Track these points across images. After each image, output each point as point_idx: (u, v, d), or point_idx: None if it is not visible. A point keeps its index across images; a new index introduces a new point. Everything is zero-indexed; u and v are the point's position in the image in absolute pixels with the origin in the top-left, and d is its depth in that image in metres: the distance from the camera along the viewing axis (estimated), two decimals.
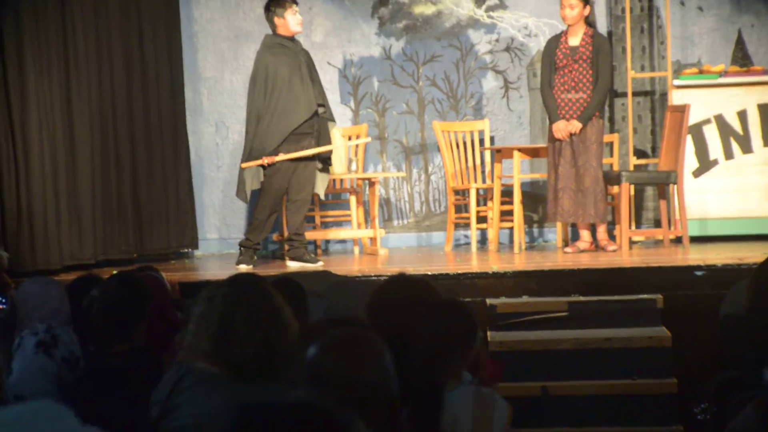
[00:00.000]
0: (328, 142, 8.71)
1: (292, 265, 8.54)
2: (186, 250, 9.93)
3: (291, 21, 8.59)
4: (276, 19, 8.59)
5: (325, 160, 8.81)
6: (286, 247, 8.73)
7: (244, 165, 8.63)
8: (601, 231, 8.91)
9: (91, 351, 4.37)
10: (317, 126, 8.63)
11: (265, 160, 8.46)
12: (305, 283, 4.75)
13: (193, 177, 9.98)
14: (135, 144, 9.38)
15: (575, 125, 8.75)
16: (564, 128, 8.78)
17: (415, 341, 3.88)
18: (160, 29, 9.71)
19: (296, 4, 8.65)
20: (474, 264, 8.52)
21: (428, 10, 10.35)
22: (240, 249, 8.68)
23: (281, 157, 8.44)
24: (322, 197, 9.24)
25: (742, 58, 10.09)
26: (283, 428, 2.24)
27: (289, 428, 2.24)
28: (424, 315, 3.98)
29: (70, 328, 4.39)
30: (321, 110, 8.67)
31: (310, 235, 9.57)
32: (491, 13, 10.30)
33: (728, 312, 5.11)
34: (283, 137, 8.46)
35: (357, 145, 9.95)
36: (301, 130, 8.53)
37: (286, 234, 8.96)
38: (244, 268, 8.44)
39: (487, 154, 9.93)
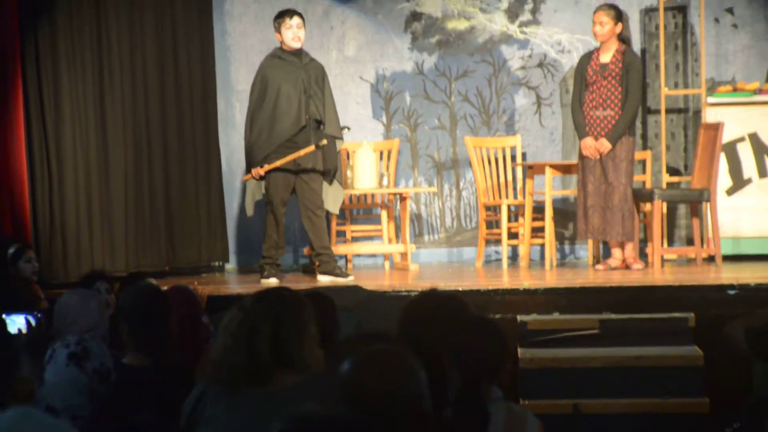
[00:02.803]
0: (333, 158, 8.71)
1: (323, 280, 8.54)
2: (217, 263, 9.95)
3: (286, 36, 8.64)
4: (277, 34, 8.70)
5: (326, 173, 8.74)
6: (317, 262, 8.74)
7: (244, 178, 8.74)
8: (629, 249, 8.87)
9: (123, 364, 4.37)
10: (314, 141, 8.57)
11: (253, 172, 8.52)
12: (335, 297, 4.75)
13: (225, 189, 10.01)
14: (168, 156, 9.42)
15: (604, 145, 8.72)
16: (591, 145, 8.75)
17: (447, 358, 3.87)
18: (193, 42, 9.75)
19: (294, 17, 8.63)
20: (505, 280, 8.49)
21: (461, 25, 10.34)
22: (261, 265, 8.70)
23: (266, 168, 8.47)
24: (335, 213, 9.17)
25: None
26: None
27: None
28: (456, 332, 3.96)
29: (106, 341, 4.41)
30: (322, 128, 8.63)
31: (340, 249, 9.58)
32: (524, 29, 10.29)
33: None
34: (270, 149, 8.51)
35: (389, 161, 9.95)
36: (292, 143, 8.52)
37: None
38: (272, 282, 8.45)
39: (519, 170, 9.91)
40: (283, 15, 8.70)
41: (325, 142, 8.60)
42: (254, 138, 8.59)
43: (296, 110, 8.55)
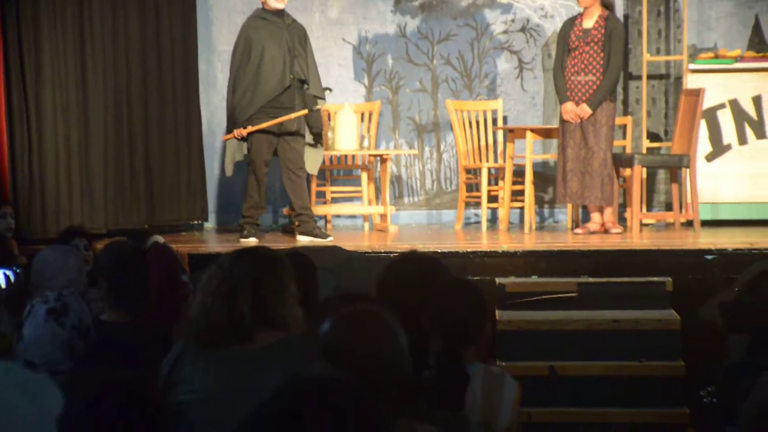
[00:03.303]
0: (318, 120, 8.72)
1: (302, 240, 8.55)
2: (196, 222, 9.95)
3: None
4: None
5: (316, 137, 8.77)
6: (296, 222, 8.74)
7: (225, 138, 8.70)
8: (608, 213, 8.91)
9: (102, 320, 4.38)
10: (298, 101, 8.57)
11: (235, 133, 8.49)
12: (314, 257, 4.76)
13: (204, 149, 9.99)
14: (148, 115, 9.41)
15: (584, 110, 8.74)
16: (572, 110, 8.77)
17: (426, 319, 3.88)
18: (175, 1, 9.70)
19: None
20: (484, 243, 8.51)
21: None
22: (241, 225, 8.70)
23: (250, 129, 8.44)
24: (314, 174, 9.14)
25: (758, 43, 10.06)
26: (325, 402, 2.26)
27: (331, 403, 2.26)
28: (435, 294, 3.98)
29: (85, 298, 4.41)
30: (306, 88, 8.62)
31: (320, 210, 9.58)
32: None
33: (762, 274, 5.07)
34: (254, 110, 8.46)
35: (370, 123, 9.95)
36: (277, 103, 8.49)
37: None
38: (252, 241, 8.46)
39: (500, 134, 9.92)
40: None
41: (318, 106, 8.60)
42: (238, 99, 8.54)
43: (281, 71, 8.52)
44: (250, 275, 3.67)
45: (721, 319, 4.81)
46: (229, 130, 8.66)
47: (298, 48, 8.62)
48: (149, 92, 9.41)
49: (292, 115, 8.47)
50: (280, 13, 8.63)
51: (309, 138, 8.79)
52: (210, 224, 10.15)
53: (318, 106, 8.63)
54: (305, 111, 8.51)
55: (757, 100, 9.50)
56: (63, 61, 8.69)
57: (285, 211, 9.67)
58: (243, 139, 8.56)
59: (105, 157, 8.96)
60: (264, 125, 8.44)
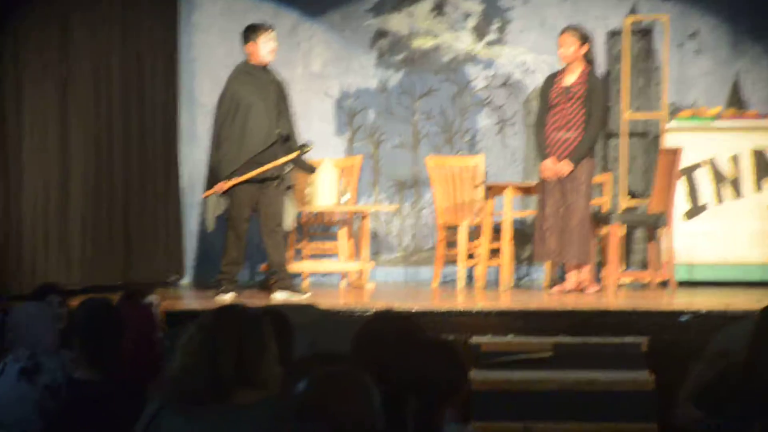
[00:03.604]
0: (304, 164, 8.78)
1: (278, 296, 8.54)
2: (173, 278, 9.91)
3: (263, 48, 8.59)
4: (249, 45, 8.61)
5: (287, 189, 8.80)
6: (273, 278, 8.73)
7: (205, 195, 8.69)
8: (585, 272, 8.92)
9: (75, 379, 4.37)
10: (281, 156, 8.60)
11: (217, 188, 8.50)
12: (291, 315, 4.75)
13: (184, 203, 9.99)
14: (128, 169, 9.38)
15: (564, 167, 8.78)
16: (551, 168, 8.81)
17: (402, 379, 3.88)
18: (158, 54, 9.74)
19: (272, 30, 8.67)
20: (460, 301, 8.52)
21: (427, 43, 10.40)
22: (218, 281, 8.68)
23: (233, 181, 8.45)
24: (289, 229, 9.11)
25: (737, 102, 10.14)
26: None
27: None
28: (411, 353, 3.98)
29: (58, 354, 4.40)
30: (288, 143, 8.66)
31: (297, 266, 9.56)
32: (490, 49, 10.35)
33: (716, 359, 5.09)
34: (239, 164, 8.47)
35: (351, 177, 9.96)
36: (261, 158, 8.52)
37: None
38: (228, 298, 8.44)
39: (480, 190, 9.93)
40: (259, 27, 8.65)
41: (308, 148, 8.62)
42: (222, 154, 8.52)
43: (267, 126, 8.55)
44: (233, 336, 3.67)
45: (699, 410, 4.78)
46: (209, 186, 8.64)
47: (282, 104, 8.67)
48: (129, 145, 9.41)
49: (282, 160, 8.49)
50: (265, 68, 8.67)
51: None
52: (186, 280, 10.12)
53: (308, 148, 8.68)
54: (296, 153, 8.54)
55: (735, 160, 9.56)
56: (43, 112, 8.67)
57: (262, 267, 9.65)
58: (224, 193, 8.56)
59: (83, 211, 8.91)
60: (248, 175, 8.44)
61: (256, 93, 8.55)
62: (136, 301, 5.83)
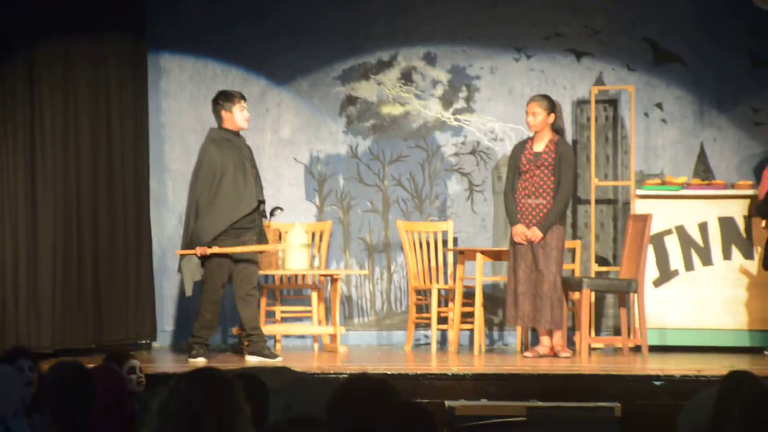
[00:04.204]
0: (266, 238, 8.80)
1: (251, 360, 8.50)
2: (144, 341, 9.85)
3: (238, 117, 8.64)
4: (223, 113, 8.65)
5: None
6: (246, 342, 8.69)
7: (178, 252, 8.66)
8: (557, 337, 8.94)
9: None
10: (258, 222, 8.65)
11: (198, 251, 8.47)
12: (264, 378, 4.72)
13: (155, 268, 9.95)
14: (98, 233, 9.34)
15: (535, 233, 8.82)
16: (523, 233, 8.85)
17: None
18: (127, 120, 9.72)
19: (245, 100, 8.71)
20: (433, 365, 8.51)
21: (396, 110, 10.45)
22: (190, 344, 8.63)
23: (214, 249, 8.43)
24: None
25: (704, 171, 10.23)
26: None
27: None
28: (385, 417, 3.95)
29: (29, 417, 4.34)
30: (262, 207, 8.71)
31: (269, 329, 9.53)
32: (458, 116, 10.42)
33: (688, 425, 5.10)
34: (221, 230, 8.48)
35: (321, 242, 9.97)
36: (241, 224, 8.55)
37: None
38: (201, 361, 8.39)
39: (450, 255, 9.97)
40: (233, 95, 8.68)
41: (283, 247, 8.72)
42: (207, 220, 8.49)
43: (250, 192, 8.57)
44: (211, 400, 3.63)
45: None
46: (187, 247, 8.60)
47: (255, 168, 8.71)
48: (99, 209, 9.37)
49: (270, 247, 8.58)
50: (237, 133, 8.71)
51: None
52: (158, 343, 10.06)
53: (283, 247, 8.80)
54: (282, 246, 8.62)
55: (703, 227, 9.63)
56: (12, 174, 8.64)
57: (234, 330, 9.61)
58: (202, 257, 8.53)
59: (53, 273, 8.86)
60: (231, 249, 8.44)
61: (233, 159, 8.57)
62: (120, 364, 5.78)
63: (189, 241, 8.61)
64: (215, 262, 8.51)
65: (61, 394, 4.38)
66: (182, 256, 8.66)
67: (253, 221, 8.60)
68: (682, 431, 5.09)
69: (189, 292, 8.70)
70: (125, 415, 5.50)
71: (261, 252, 8.86)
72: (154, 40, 10.17)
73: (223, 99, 8.67)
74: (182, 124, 10.31)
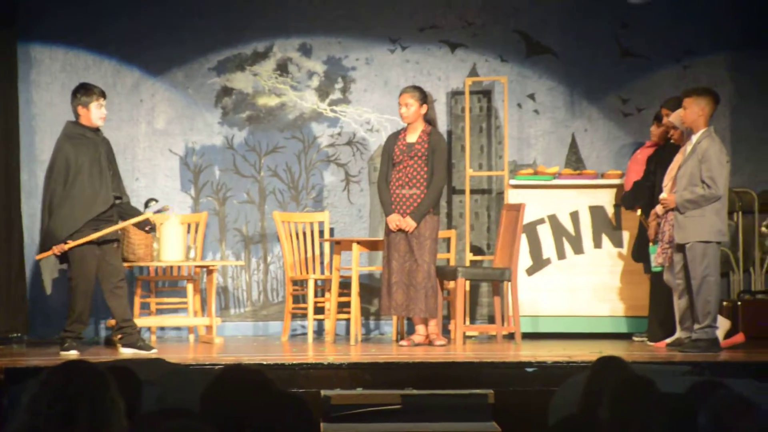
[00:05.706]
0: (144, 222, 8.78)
1: (126, 352, 8.42)
2: (15, 335, 9.68)
3: (95, 114, 8.51)
4: (80, 108, 8.51)
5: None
6: (119, 334, 8.60)
7: (38, 257, 8.54)
8: (432, 325, 9.03)
9: None
10: (116, 218, 8.55)
11: (55, 249, 8.36)
12: (138, 370, 4.68)
13: (26, 260, 9.79)
14: None
15: (408, 223, 8.89)
16: (397, 221, 8.91)
17: None
18: None
19: (104, 97, 8.59)
20: (309, 355, 8.53)
21: (272, 101, 10.43)
22: (62, 338, 8.51)
23: (71, 243, 8.33)
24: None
25: (575, 161, 10.41)
26: None
27: None
28: (260, 408, 3.96)
29: None
30: (118, 202, 8.62)
31: (144, 321, 9.46)
32: (334, 108, 10.45)
33: (559, 410, 5.19)
34: (77, 227, 8.36)
35: (197, 233, 9.92)
36: (98, 221, 8.44)
37: None
38: (73, 354, 8.29)
39: (327, 246, 9.99)
40: (92, 91, 8.52)
41: (156, 204, 8.59)
42: (60, 217, 8.36)
43: (106, 188, 8.46)
44: (84, 393, 3.60)
45: None
46: (43, 249, 8.46)
47: (113, 164, 8.61)
48: None
49: (132, 221, 8.45)
50: (96, 129, 8.58)
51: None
52: (30, 337, 9.89)
53: (151, 216, 8.69)
54: (148, 215, 8.51)
55: (574, 216, 9.81)
56: None
57: (108, 323, 9.51)
58: (62, 255, 8.40)
59: None
60: (88, 238, 8.33)
61: (89, 155, 8.44)
62: None
63: (44, 239, 8.47)
64: (79, 254, 8.38)
65: None
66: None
67: (110, 217, 8.50)
68: (553, 416, 5.19)
69: (48, 290, 8.61)
70: None
71: (123, 239, 8.74)
72: (25, 32, 10.00)
73: (82, 93, 8.50)
74: (53, 116, 10.14)
